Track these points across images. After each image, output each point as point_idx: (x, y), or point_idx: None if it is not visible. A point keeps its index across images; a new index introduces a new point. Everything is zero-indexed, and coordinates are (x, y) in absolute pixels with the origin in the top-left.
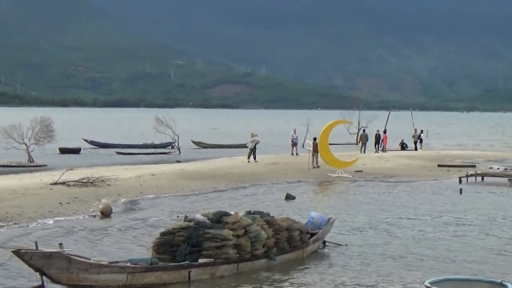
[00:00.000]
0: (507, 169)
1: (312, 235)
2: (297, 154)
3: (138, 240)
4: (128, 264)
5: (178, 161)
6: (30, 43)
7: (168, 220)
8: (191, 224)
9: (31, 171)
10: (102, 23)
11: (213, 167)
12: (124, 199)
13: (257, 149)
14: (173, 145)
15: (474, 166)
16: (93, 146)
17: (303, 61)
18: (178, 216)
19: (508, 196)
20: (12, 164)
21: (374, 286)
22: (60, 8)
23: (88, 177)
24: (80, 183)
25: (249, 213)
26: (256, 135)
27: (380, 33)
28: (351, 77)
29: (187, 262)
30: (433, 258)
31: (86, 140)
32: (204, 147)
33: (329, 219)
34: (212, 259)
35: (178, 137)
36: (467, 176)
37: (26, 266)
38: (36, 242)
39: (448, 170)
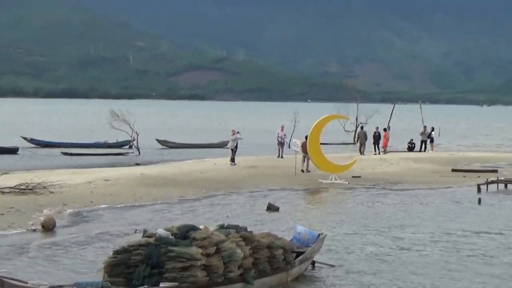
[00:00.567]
0: None
1: (299, 254)
2: (281, 157)
3: (87, 260)
4: None
5: (138, 164)
6: None
7: (123, 236)
8: (151, 240)
9: None
10: None
11: (180, 171)
12: (71, 210)
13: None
14: (132, 144)
15: (496, 171)
16: (34, 145)
17: (290, 43)
18: (135, 231)
19: None
20: None
21: None
22: None
23: (27, 183)
24: (17, 190)
25: (222, 227)
26: (238, 132)
27: (384, 11)
28: (348, 63)
29: (146, 286)
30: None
31: (25, 138)
32: (170, 147)
33: (319, 235)
34: (177, 283)
35: (138, 135)
36: (487, 183)
37: None
38: None
39: (464, 176)
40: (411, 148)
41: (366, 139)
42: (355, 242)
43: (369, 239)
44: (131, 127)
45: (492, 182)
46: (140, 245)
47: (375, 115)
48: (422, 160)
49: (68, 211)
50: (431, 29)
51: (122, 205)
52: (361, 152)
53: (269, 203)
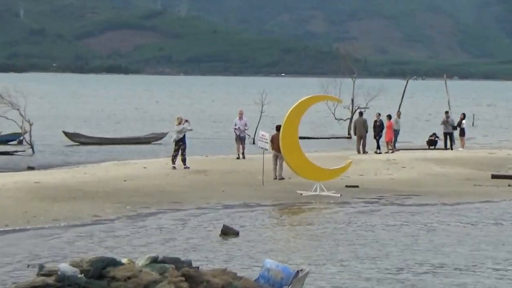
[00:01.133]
0: None
1: None
2: (243, 157)
3: None
4: None
5: (31, 168)
6: None
7: (11, 274)
8: (51, 280)
9: None
10: None
11: (94, 178)
12: None
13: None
14: (22, 138)
15: None
16: None
17: None
18: (28, 266)
19: None
20: None
21: None
22: None
23: None
24: None
25: (155, 261)
26: (186, 121)
27: None
28: (340, 21)
29: None
30: None
31: None
32: (83, 143)
33: (297, 272)
34: None
35: (31, 125)
36: None
37: None
38: None
39: (510, 185)
40: (432, 143)
41: (366, 131)
42: (348, 282)
43: (369, 278)
44: (21, 114)
45: None
46: None
47: (380, 96)
48: (448, 162)
49: None
50: None
51: (8, 228)
52: (359, 150)
53: (224, 225)
